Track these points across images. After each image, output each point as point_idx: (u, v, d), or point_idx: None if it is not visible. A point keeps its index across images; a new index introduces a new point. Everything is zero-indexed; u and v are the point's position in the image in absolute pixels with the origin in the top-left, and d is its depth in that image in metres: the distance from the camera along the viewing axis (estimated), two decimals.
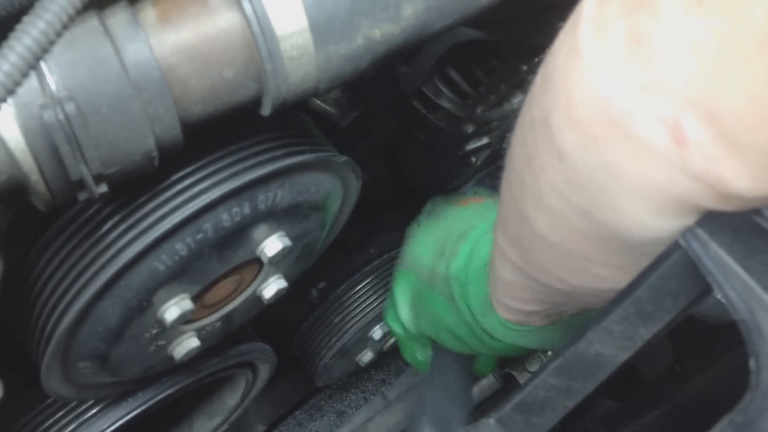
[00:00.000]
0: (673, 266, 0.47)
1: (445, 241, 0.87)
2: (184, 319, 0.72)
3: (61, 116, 0.50)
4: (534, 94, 0.52)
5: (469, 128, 1.06)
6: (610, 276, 0.54)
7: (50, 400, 0.85)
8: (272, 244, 0.73)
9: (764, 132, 0.36)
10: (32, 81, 0.50)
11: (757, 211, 0.43)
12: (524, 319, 0.76)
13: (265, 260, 0.74)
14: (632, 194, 0.44)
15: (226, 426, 1.18)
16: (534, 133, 0.51)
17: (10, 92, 0.40)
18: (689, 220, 0.45)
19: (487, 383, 1.33)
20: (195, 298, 0.73)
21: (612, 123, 0.42)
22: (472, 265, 0.82)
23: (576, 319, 0.80)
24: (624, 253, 0.51)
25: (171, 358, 0.79)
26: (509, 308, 0.76)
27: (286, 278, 0.83)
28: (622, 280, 0.54)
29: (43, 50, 0.40)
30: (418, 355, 1.01)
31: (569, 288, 0.60)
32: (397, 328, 0.99)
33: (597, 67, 0.42)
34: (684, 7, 0.37)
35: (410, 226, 0.95)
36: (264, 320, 0.98)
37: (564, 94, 0.46)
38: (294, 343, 1.27)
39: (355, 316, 1.21)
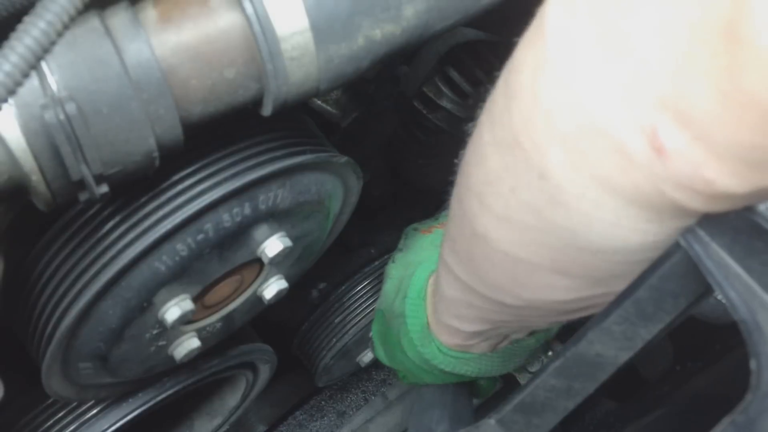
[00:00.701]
0: (674, 267, 0.47)
1: (402, 278, 0.87)
2: (185, 320, 0.72)
3: (61, 116, 0.50)
4: (495, 114, 0.50)
5: (470, 128, 1.06)
6: (577, 287, 0.54)
7: (51, 400, 0.85)
8: (273, 245, 0.73)
9: (736, 127, 0.35)
10: (33, 81, 0.50)
11: (757, 212, 0.43)
12: (464, 343, 0.76)
13: (265, 261, 0.74)
14: (628, 205, 0.43)
15: (226, 426, 1.18)
16: (499, 153, 0.49)
17: (11, 92, 0.40)
18: (689, 220, 0.44)
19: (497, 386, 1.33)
20: (196, 299, 0.73)
21: (598, 135, 0.41)
22: (410, 296, 0.81)
23: (515, 347, 0.80)
24: (605, 264, 0.50)
25: (171, 358, 0.79)
26: (451, 330, 0.74)
27: (287, 279, 0.83)
28: (580, 290, 0.54)
29: (44, 50, 0.40)
30: (410, 378, 1.01)
31: (521, 303, 0.59)
32: (384, 362, 0.98)
33: (573, 78, 0.41)
34: None
35: (388, 264, 0.94)
36: (264, 320, 0.98)
37: (542, 114, 0.44)
38: (294, 344, 1.27)
39: (355, 316, 1.21)
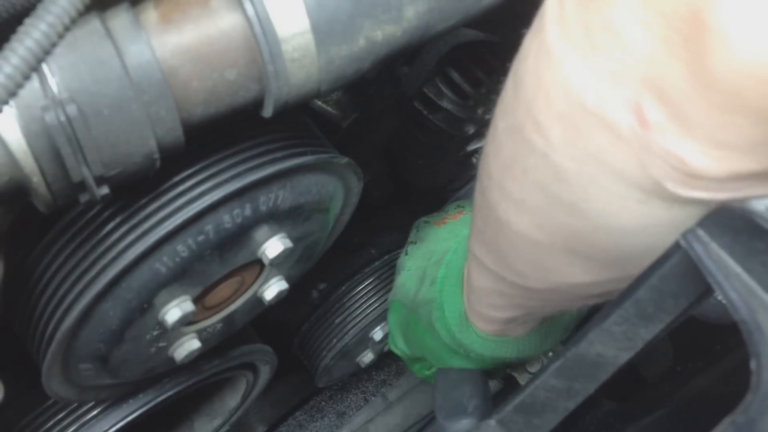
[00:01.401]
0: (674, 267, 0.47)
1: (426, 267, 0.89)
2: (185, 321, 0.72)
3: (62, 118, 0.50)
4: (507, 102, 0.53)
5: (470, 129, 1.07)
6: (592, 268, 0.56)
7: (51, 401, 0.85)
8: (273, 246, 0.73)
9: (706, 106, 0.37)
10: (34, 83, 0.50)
11: (757, 212, 0.43)
12: (502, 329, 0.78)
13: (266, 262, 0.74)
14: (619, 181, 0.45)
15: (227, 427, 1.18)
16: (512, 138, 0.53)
17: (12, 94, 0.40)
18: (677, 209, 0.45)
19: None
20: (196, 300, 0.73)
21: (590, 113, 0.43)
22: (446, 285, 0.83)
23: (550, 325, 0.82)
24: (606, 244, 0.52)
25: (172, 359, 0.79)
26: (486, 318, 0.77)
27: (287, 279, 0.83)
28: (600, 273, 0.56)
29: (44, 52, 0.40)
30: (425, 370, 1.02)
31: (547, 286, 0.62)
32: (399, 352, 1.01)
33: (567, 63, 0.44)
34: None
35: (400, 257, 0.97)
36: (265, 321, 0.98)
37: (542, 94, 0.47)
38: (295, 344, 1.27)
39: (355, 317, 1.21)
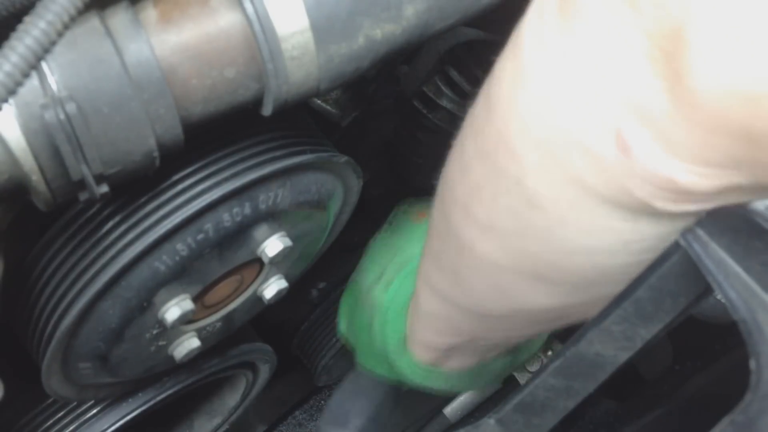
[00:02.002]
0: (673, 267, 0.47)
1: (387, 264, 0.86)
2: (185, 320, 0.72)
3: (62, 116, 0.50)
4: (477, 125, 0.52)
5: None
6: (557, 293, 0.55)
7: (50, 400, 0.85)
8: (273, 245, 0.73)
9: (689, 126, 0.37)
10: (33, 81, 0.50)
11: (757, 212, 0.43)
12: (438, 358, 0.77)
13: (265, 260, 0.74)
14: (602, 204, 0.44)
15: (226, 426, 1.18)
16: (482, 162, 0.51)
17: (12, 92, 0.40)
18: (664, 222, 0.45)
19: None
20: (196, 299, 0.73)
21: (570, 138, 0.42)
22: (396, 302, 0.81)
23: (483, 367, 0.81)
24: (581, 267, 0.51)
25: (171, 358, 0.79)
26: (427, 345, 0.76)
27: (287, 278, 0.83)
28: (567, 297, 0.55)
29: (44, 50, 0.40)
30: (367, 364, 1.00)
31: (505, 312, 0.61)
32: (341, 336, 0.98)
33: (548, 87, 0.43)
34: (618, 10, 0.37)
35: (374, 237, 0.93)
36: (264, 320, 0.98)
37: (517, 118, 0.46)
38: (294, 343, 1.27)
39: None
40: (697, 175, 0.39)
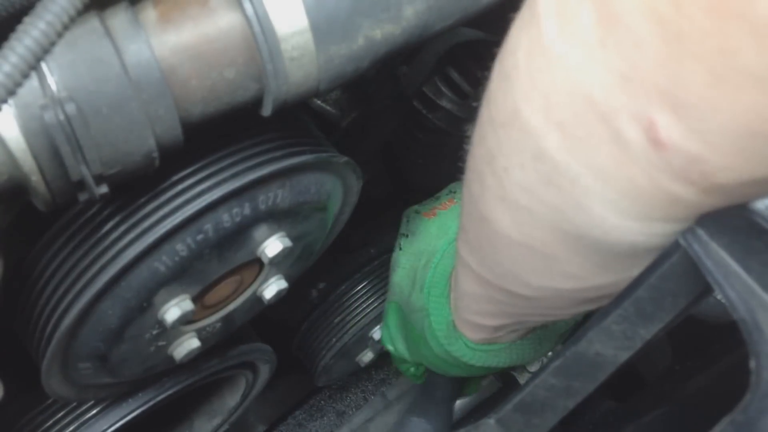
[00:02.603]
0: (674, 266, 0.47)
1: (417, 269, 0.85)
2: (185, 320, 0.72)
3: (61, 117, 0.50)
4: (491, 93, 0.49)
5: (470, 128, 1.06)
6: (574, 273, 0.53)
7: (50, 400, 0.85)
8: (273, 245, 0.73)
9: (732, 113, 0.33)
10: (33, 81, 0.50)
11: (757, 212, 0.43)
12: (491, 337, 0.74)
13: (265, 261, 0.74)
14: (620, 197, 0.42)
15: (226, 426, 1.18)
16: (495, 132, 0.48)
17: (11, 93, 0.40)
18: (676, 223, 0.44)
19: (486, 383, 1.33)
20: (195, 299, 0.73)
21: (597, 123, 0.40)
22: (432, 293, 0.79)
23: (545, 332, 0.78)
24: (591, 252, 0.49)
25: (171, 358, 0.79)
26: (475, 326, 0.73)
27: (287, 278, 0.83)
28: (586, 279, 0.53)
29: (43, 51, 0.40)
30: (413, 369, 1.00)
31: (531, 291, 0.58)
32: (392, 350, 0.98)
33: (573, 64, 0.39)
34: None
35: (394, 252, 0.92)
36: (264, 320, 0.98)
37: (539, 97, 0.43)
38: (294, 344, 1.27)
39: (355, 316, 1.21)
40: (735, 169, 0.36)
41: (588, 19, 0.38)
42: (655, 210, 0.42)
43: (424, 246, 0.87)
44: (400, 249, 0.90)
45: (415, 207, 0.93)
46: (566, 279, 0.54)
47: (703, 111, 0.34)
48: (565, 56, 0.40)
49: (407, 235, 0.90)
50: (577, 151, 0.42)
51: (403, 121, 1.05)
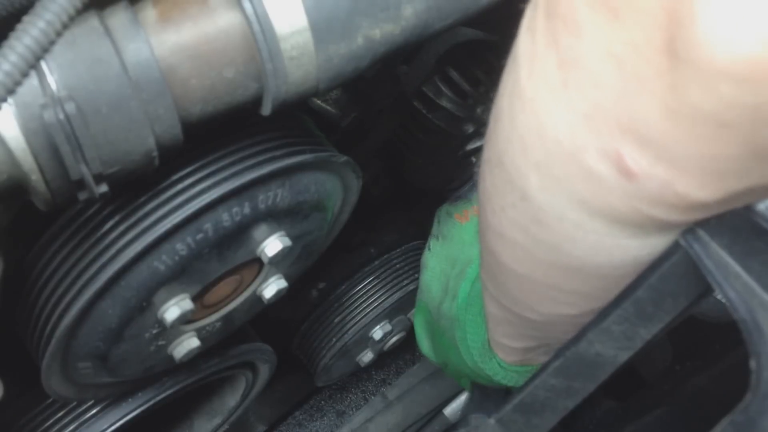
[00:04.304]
0: (674, 267, 0.47)
1: (449, 274, 0.85)
2: (185, 319, 0.72)
3: (61, 116, 0.50)
4: (488, 134, 0.51)
5: (469, 128, 1.07)
6: (577, 302, 0.54)
7: (50, 400, 0.85)
8: (272, 244, 0.73)
9: (691, 141, 0.35)
10: (32, 80, 0.50)
11: (757, 212, 0.43)
12: (523, 359, 0.74)
13: (265, 260, 0.74)
14: (610, 224, 0.44)
15: (226, 426, 1.18)
16: (491, 172, 0.51)
17: (11, 92, 0.40)
18: (673, 233, 0.45)
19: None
20: (195, 298, 0.73)
21: (569, 161, 0.41)
22: (471, 307, 0.79)
23: None
24: (594, 279, 0.51)
25: (171, 358, 0.79)
26: (506, 348, 0.74)
27: (287, 278, 0.83)
28: (591, 305, 0.54)
29: (43, 50, 0.40)
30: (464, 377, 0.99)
31: (541, 317, 0.59)
32: (426, 353, 0.97)
33: (540, 106, 0.42)
34: (602, 21, 0.36)
35: (424, 252, 0.91)
36: (264, 320, 0.98)
37: (517, 139, 0.45)
38: (294, 343, 1.27)
39: (355, 316, 1.21)
40: (706, 188, 0.38)
41: (551, 64, 0.40)
42: (647, 228, 0.44)
43: (457, 253, 0.86)
44: (429, 250, 0.90)
45: (447, 207, 0.93)
46: (569, 306, 0.55)
47: (665, 141, 0.36)
48: (533, 99, 0.42)
49: (438, 238, 0.90)
50: (556, 189, 0.44)
51: (402, 121, 1.05)
